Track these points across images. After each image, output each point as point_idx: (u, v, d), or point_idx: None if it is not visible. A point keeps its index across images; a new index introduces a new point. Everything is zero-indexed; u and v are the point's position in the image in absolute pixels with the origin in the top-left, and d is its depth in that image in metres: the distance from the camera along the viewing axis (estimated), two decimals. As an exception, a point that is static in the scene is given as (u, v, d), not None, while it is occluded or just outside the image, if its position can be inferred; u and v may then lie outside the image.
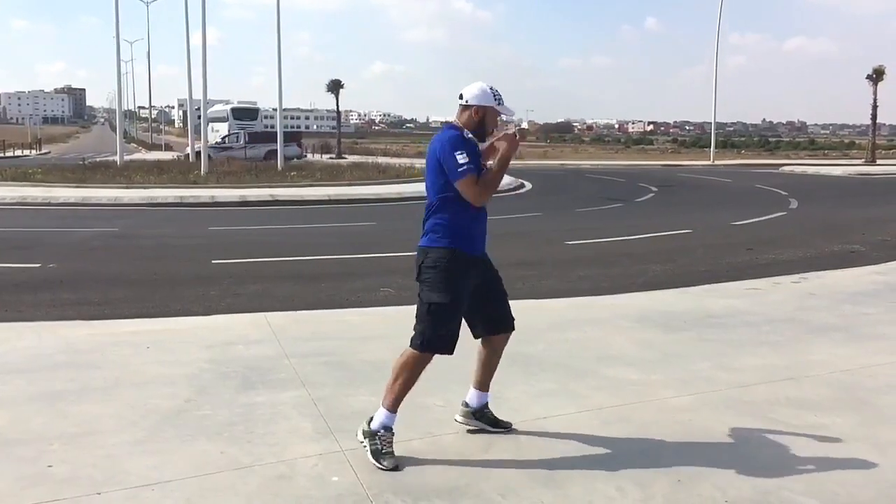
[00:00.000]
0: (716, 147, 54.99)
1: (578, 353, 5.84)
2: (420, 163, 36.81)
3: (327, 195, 20.96)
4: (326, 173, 27.38)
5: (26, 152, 51.68)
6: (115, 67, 32.78)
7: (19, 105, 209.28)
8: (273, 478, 3.62)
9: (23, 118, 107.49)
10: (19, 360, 5.52)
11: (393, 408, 3.91)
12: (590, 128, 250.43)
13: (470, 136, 3.90)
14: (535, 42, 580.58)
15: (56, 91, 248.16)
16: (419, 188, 23.47)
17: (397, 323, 6.87)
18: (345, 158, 44.55)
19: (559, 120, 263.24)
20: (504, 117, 4.05)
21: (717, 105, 51.80)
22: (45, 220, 15.84)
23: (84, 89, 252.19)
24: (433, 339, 3.85)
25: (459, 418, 4.27)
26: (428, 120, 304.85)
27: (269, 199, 19.99)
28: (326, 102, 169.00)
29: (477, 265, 3.95)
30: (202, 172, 25.46)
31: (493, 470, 3.73)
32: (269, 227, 15.24)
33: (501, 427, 4.23)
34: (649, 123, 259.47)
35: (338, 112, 58.23)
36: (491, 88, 3.94)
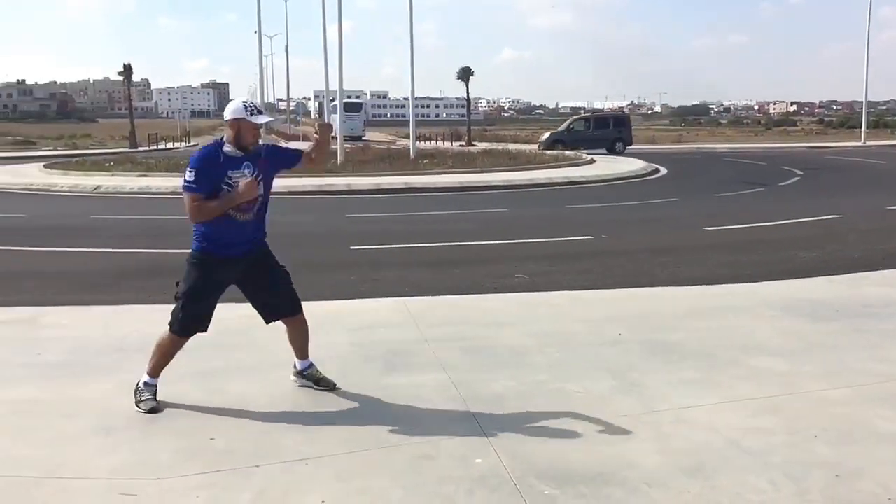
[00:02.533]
0: (867, 127, 51.68)
1: (720, 342, 5.66)
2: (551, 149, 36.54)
3: (459, 182, 21.14)
4: (458, 160, 27.60)
5: (177, 144, 54.80)
6: (255, 62, 34.18)
7: (169, 100, 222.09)
8: (418, 457, 3.71)
9: (172, 112, 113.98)
10: (178, 339, 5.87)
11: None
12: (727, 109, 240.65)
13: (228, 149, 4.29)
14: (666, 23, 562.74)
15: (202, 86, 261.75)
16: (550, 174, 23.42)
17: (532, 309, 6.92)
18: (475, 146, 44.75)
19: (694, 102, 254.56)
20: (261, 127, 4.39)
21: (868, 82, 48.68)
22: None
23: (227, 83, 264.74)
24: (184, 322, 4.41)
25: (292, 377, 4.80)
26: (557, 106, 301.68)
27: (403, 186, 20.37)
28: (455, 90, 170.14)
29: (235, 264, 4.40)
30: (338, 161, 26.21)
31: (637, 458, 3.68)
32: (403, 214, 15.54)
33: (325, 385, 4.68)
34: (792, 103, 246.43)
35: (468, 100, 58.54)
36: (244, 103, 4.34)
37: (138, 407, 4.35)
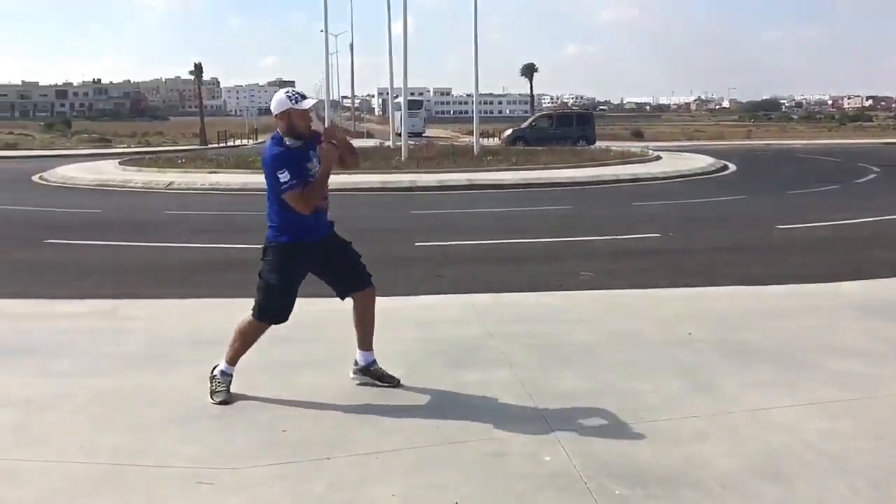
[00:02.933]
0: (948, 122, 49.63)
1: (796, 343, 5.51)
2: (615, 145, 36.14)
3: (523, 179, 21.06)
4: (522, 157, 27.50)
5: (245, 142, 55.90)
6: (320, 59, 34.59)
7: (237, 98, 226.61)
8: (487, 454, 3.72)
9: (240, 110, 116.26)
10: (250, 332, 5.99)
11: None
12: (799, 104, 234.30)
13: (291, 141, 4.36)
14: (735, 15, 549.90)
15: (269, 84, 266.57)
16: (616, 171, 23.17)
17: (599, 307, 6.86)
18: (538, 142, 44.51)
19: (764, 97, 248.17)
20: (310, 111, 4.40)
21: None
22: (264, 205, 17.04)
23: (294, 81, 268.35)
24: (268, 310, 4.57)
25: (352, 375, 4.79)
26: (622, 101, 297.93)
27: (467, 183, 20.39)
28: (518, 87, 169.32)
29: (314, 249, 4.53)
30: (402, 158, 26.38)
31: (711, 460, 3.62)
32: (467, 211, 15.56)
33: (388, 382, 4.69)
34: (867, 98, 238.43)
35: (531, 96, 58.45)
36: (286, 93, 4.38)
37: (212, 398, 4.47)
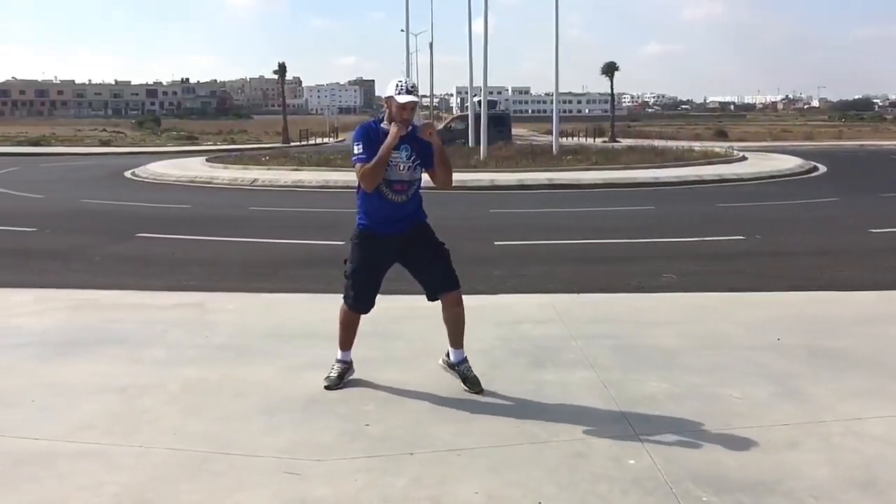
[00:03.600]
0: None
1: (892, 351, 5.29)
2: (697, 145, 35.34)
3: (604, 179, 20.82)
4: (602, 157, 27.20)
5: (325, 140, 56.90)
6: (400, 59, 34.86)
7: (318, 97, 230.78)
8: (570, 455, 3.69)
9: (321, 109, 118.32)
10: (332, 328, 6.05)
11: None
12: (893, 104, 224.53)
13: (383, 124, 4.46)
14: (825, 12, 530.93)
15: (349, 83, 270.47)
16: (700, 172, 22.67)
17: (683, 309, 6.72)
18: (618, 142, 43.95)
19: (856, 96, 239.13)
20: (407, 106, 4.37)
21: None
22: (345, 202, 17.27)
23: (373, 80, 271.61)
24: (350, 296, 4.68)
25: (440, 362, 4.84)
26: (705, 100, 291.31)
27: (547, 182, 20.27)
28: (598, 86, 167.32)
29: (389, 243, 4.54)
30: (482, 157, 26.38)
31: (802, 468, 3.51)
32: (547, 211, 15.47)
33: (470, 386, 4.62)
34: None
35: (612, 95, 57.58)
36: (398, 81, 4.43)
37: (324, 381, 4.68)
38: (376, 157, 4.34)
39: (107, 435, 3.96)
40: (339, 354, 4.80)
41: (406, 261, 4.63)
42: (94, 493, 3.32)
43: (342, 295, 4.71)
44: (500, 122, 40.70)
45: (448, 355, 4.79)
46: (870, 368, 4.91)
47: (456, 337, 4.72)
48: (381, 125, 4.45)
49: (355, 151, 4.40)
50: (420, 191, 4.61)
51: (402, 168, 4.45)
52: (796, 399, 4.41)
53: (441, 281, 4.61)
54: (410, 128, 4.46)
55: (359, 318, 4.78)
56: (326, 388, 4.60)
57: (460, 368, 4.70)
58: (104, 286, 7.91)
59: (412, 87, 4.43)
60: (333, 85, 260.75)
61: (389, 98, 4.40)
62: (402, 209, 4.53)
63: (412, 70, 51.61)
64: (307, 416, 4.22)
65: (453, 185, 4.74)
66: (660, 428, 4.00)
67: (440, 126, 41.42)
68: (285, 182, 21.64)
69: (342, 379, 4.70)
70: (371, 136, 4.41)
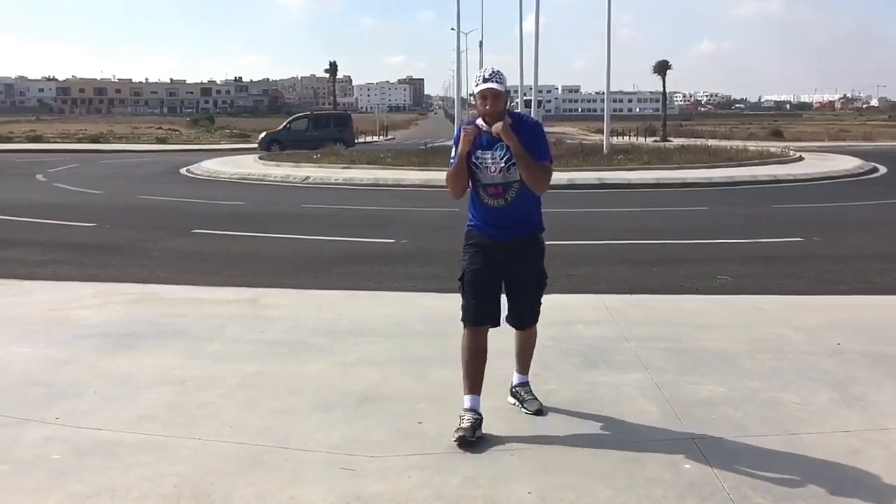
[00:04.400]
0: None
1: (958, 359, 5.14)
2: (752, 145, 34.67)
3: (655, 179, 20.56)
4: (654, 156, 26.86)
5: (375, 138, 57.21)
6: (449, 57, 34.91)
7: (368, 95, 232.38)
8: (624, 458, 3.66)
9: (371, 107, 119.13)
10: (384, 325, 6.14)
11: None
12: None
13: (475, 121, 4.01)
14: (885, 8, 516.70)
15: (399, 82, 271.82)
16: (754, 172, 22.26)
17: (736, 312, 6.61)
18: (670, 141, 43.35)
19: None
20: (487, 96, 3.93)
21: None
22: (395, 200, 17.44)
23: (422, 79, 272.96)
24: (465, 308, 4.08)
25: (510, 399, 4.40)
26: (760, 99, 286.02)
27: (597, 182, 20.10)
28: (649, 84, 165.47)
29: (496, 247, 4.07)
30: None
31: (864, 477, 3.43)
32: (597, 210, 15.35)
33: (529, 409, 4.25)
34: None
35: (664, 94, 56.83)
36: (479, 72, 4.01)
37: (455, 432, 3.83)
38: (453, 165, 4.04)
39: (167, 427, 4.05)
40: (465, 402, 3.95)
41: (506, 276, 4.12)
42: (155, 484, 3.40)
43: (459, 317, 4.07)
44: (339, 123, 39.08)
45: (512, 381, 4.42)
46: (935, 376, 4.77)
47: (522, 360, 4.38)
48: (479, 122, 3.99)
49: (451, 153, 4.09)
50: (529, 193, 4.01)
51: (493, 170, 3.98)
52: (857, 406, 4.31)
53: (514, 315, 4.20)
54: (506, 119, 3.95)
55: (485, 343, 4.01)
56: (458, 442, 3.76)
57: (517, 390, 4.35)
58: (162, 281, 8.09)
59: (492, 73, 3.92)
60: (383, 84, 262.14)
61: (475, 93, 3.96)
62: (505, 214, 4.03)
63: (462, 69, 51.64)
64: (361, 413, 4.26)
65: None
66: (717, 432, 3.94)
67: (280, 127, 40.26)
68: (336, 180, 21.82)
69: (475, 431, 3.82)
70: (457, 137, 4.05)
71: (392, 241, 11.28)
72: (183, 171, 26.09)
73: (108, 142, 50.08)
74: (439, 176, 20.12)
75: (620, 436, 3.92)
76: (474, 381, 3.99)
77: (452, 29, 39.65)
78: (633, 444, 3.81)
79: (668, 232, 11.96)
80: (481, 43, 63.52)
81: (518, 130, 3.91)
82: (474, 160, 4.00)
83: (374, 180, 21.30)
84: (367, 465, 3.59)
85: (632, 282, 8.17)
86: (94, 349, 5.44)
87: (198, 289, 7.56)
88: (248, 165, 26.61)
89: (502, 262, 4.04)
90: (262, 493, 3.33)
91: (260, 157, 29.70)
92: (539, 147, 3.99)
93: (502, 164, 3.96)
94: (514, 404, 4.32)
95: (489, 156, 3.99)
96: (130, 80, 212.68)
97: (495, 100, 3.92)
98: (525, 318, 4.22)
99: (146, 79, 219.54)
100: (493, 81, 3.89)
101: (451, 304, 6.18)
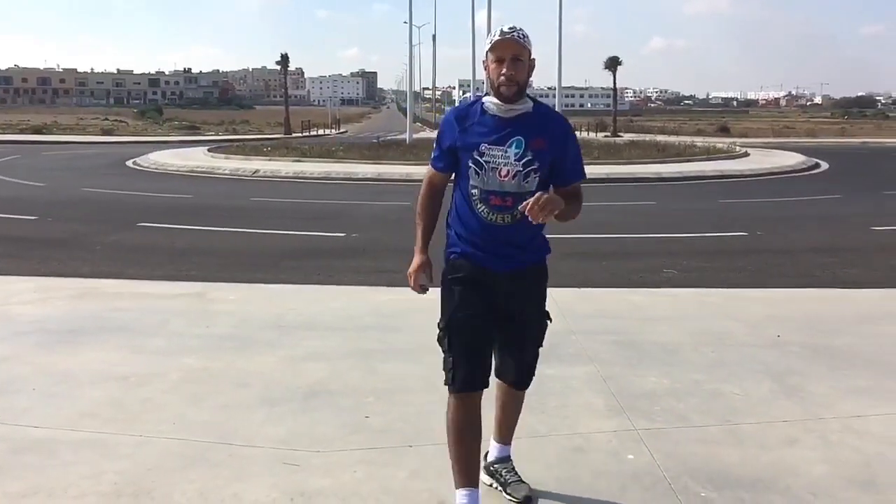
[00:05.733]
0: None
1: (893, 349, 5.30)
2: (700, 141, 35.27)
3: (606, 173, 20.77)
4: (604, 151, 27.15)
5: (327, 131, 56.81)
6: (403, 51, 34.85)
7: (321, 88, 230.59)
8: (569, 449, 3.70)
9: (324, 100, 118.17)
10: (333, 319, 6.11)
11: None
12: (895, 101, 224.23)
13: (485, 99, 2.92)
14: (832, 9, 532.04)
15: (352, 75, 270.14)
16: (702, 167, 22.68)
17: (684, 305, 6.72)
18: (620, 136, 43.90)
19: (859, 93, 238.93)
20: (505, 50, 2.80)
21: None
22: (346, 194, 17.35)
23: (375, 72, 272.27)
24: (451, 367, 3.00)
25: (483, 476, 3.23)
26: (708, 96, 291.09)
27: (548, 176, 20.25)
28: (601, 80, 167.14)
29: (490, 280, 2.99)
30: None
31: (801, 466, 3.51)
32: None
33: (513, 495, 3.19)
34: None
35: (614, 90, 57.53)
36: (504, 26, 2.85)
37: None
38: (437, 168, 3.06)
39: (108, 424, 3.97)
40: (458, 496, 2.95)
41: (504, 319, 3.03)
42: (94, 483, 3.33)
43: (442, 381, 3.01)
44: None
45: (488, 453, 3.35)
46: (870, 367, 4.91)
47: (506, 426, 3.35)
48: (483, 100, 2.91)
49: (434, 149, 3.07)
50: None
51: (504, 174, 2.86)
52: (796, 396, 4.41)
53: (513, 375, 3.18)
54: (526, 107, 2.88)
55: (479, 414, 2.98)
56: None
57: (501, 469, 3.31)
58: (106, 275, 7.92)
59: (512, 28, 2.83)
60: (336, 76, 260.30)
61: (487, 53, 2.87)
62: (511, 237, 2.96)
63: (414, 63, 51.51)
64: (307, 408, 4.22)
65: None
66: (660, 423, 4.01)
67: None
68: (287, 173, 21.63)
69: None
70: (454, 124, 2.94)
71: (343, 234, 11.22)
72: (129, 163, 25.60)
73: (51, 133, 48.88)
74: (391, 169, 20.39)
75: (566, 428, 3.96)
76: (469, 469, 2.97)
77: (405, 22, 39.53)
78: (578, 436, 3.85)
79: (617, 226, 12.10)
80: (434, 36, 63.44)
81: (546, 131, 2.90)
82: (476, 156, 2.87)
83: (325, 174, 21.16)
84: (312, 460, 3.56)
85: (581, 275, 8.24)
86: (34, 345, 5.30)
87: (142, 283, 7.42)
88: (196, 158, 26.23)
89: (501, 303, 3.00)
90: (205, 489, 3.29)
91: (209, 150, 29.30)
92: (576, 160, 3.02)
93: (519, 168, 2.86)
94: (493, 486, 3.30)
95: (500, 152, 2.86)
96: (76, 69, 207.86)
97: (515, 64, 2.81)
98: (526, 375, 3.20)
99: (92, 69, 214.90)
100: (515, 34, 2.79)
101: (401, 298, 6.21)
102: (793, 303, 6.79)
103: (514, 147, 2.86)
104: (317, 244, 10.50)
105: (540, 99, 3.02)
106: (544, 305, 3.20)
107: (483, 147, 2.87)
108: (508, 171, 2.87)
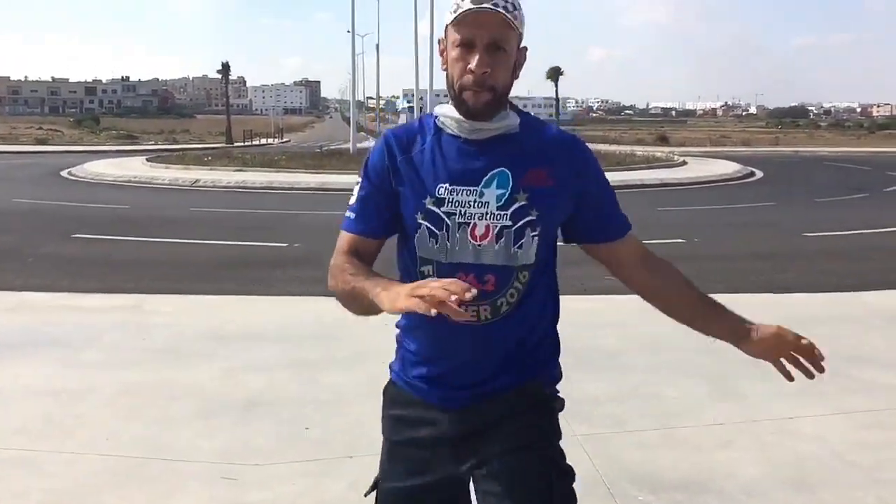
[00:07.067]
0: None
1: (825, 352, 5.43)
2: (640, 150, 35.91)
3: (547, 182, 21.03)
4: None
5: (270, 140, 56.30)
6: (347, 59, 34.76)
7: (263, 97, 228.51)
8: (510, 456, 3.71)
9: (266, 109, 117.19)
10: (273, 330, 6.03)
11: None
12: (827, 112, 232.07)
13: (443, 115, 1.77)
14: (765, 21, 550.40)
15: (295, 83, 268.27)
16: (642, 176, 23.08)
17: (624, 311, 6.78)
18: (563, 146, 44.41)
19: (792, 104, 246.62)
20: (455, 8, 1.69)
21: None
22: (289, 203, 17.17)
23: (319, 81, 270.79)
24: None
25: None
26: (648, 106, 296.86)
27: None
28: (543, 90, 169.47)
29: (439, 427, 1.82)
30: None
31: (736, 468, 3.59)
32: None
33: None
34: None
35: (556, 99, 58.29)
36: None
37: None
38: (350, 228, 1.82)
39: (38, 440, 3.85)
40: None
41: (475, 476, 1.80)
42: (20, 502, 3.22)
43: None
44: None
45: None
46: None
47: None
48: (437, 115, 1.78)
49: (352, 197, 1.84)
50: (540, 294, 1.87)
51: (479, 231, 1.71)
52: (731, 399, 4.51)
53: None
54: (508, 124, 1.74)
55: None
56: None
57: None
58: (38, 288, 7.68)
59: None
60: (279, 85, 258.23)
61: (446, 28, 1.73)
62: (460, 345, 1.77)
63: (358, 72, 51.40)
64: (246, 420, 4.16)
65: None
66: (599, 428, 4.05)
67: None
68: (228, 183, 21.33)
69: None
70: (387, 154, 1.78)
71: (285, 244, 11.10)
72: (64, 173, 24.95)
73: (-18, 142, 47.39)
74: (334, 179, 20.36)
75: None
76: None
77: (348, 31, 39.40)
78: (518, 443, 3.86)
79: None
80: (378, 46, 63.37)
81: (548, 158, 1.76)
82: (430, 206, 1.72)
83: (267, 183, 20.94)
84: (249, 473, 3.51)
85: (523, 283, 8.29)
86: (-41, 361, 5.12)
87: (76, 296, 7.23)
88: (135, 168, 25.72)
89: (467, 454, 1.80)
90: (138, 506, 3.21)
91: (148, 160, 28.75)
92: (614, 204, 1.95)
93: (505, 221, 1.72)
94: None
95: (471, 197, 1.72)
96: (8, 77, 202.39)
97: (494, 54, 1.69)
98: None
99: (26, 77, 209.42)
100: (497, 2, 1.66)
101: (342, 308, 6.16)
102: (729, 308, 6.91)
103: (494, 186, 1.71)
104: (258, 254, 10.37)
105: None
106: (539, 437, 1.82)
107: (441, 190, 1.71)
108: (488, 229, 1.70)
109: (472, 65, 1.68)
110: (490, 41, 1.67)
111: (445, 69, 1.75)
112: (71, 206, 16.26)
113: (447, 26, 1.73)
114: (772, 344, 1.94)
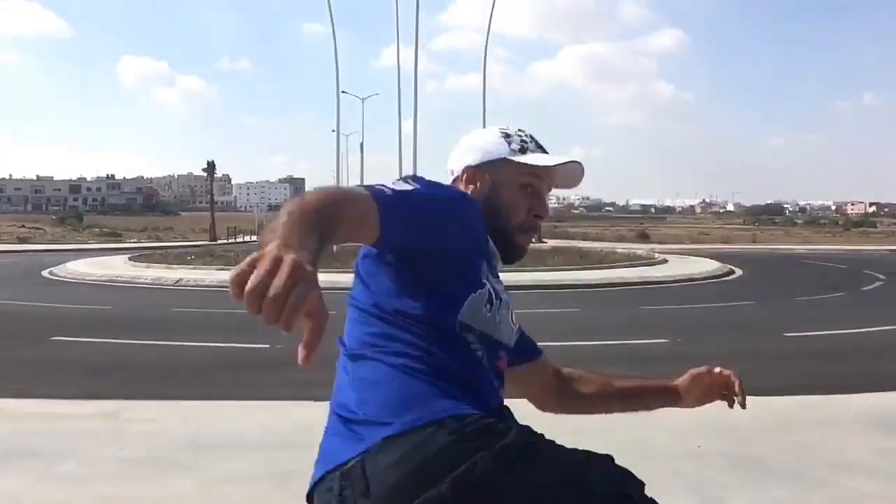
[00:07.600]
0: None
1: (809, 459, 5.43)
2: (621, 247, 36.38)
3: (531, 280, 21.10)
4: (530, 257, 27.39)
5: (254, 237, 56.57)
6: (331, 157, 35.37)
7: (248, 194, 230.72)
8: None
9: (251, 206, 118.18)
10: (254, 437, 5.94)
11: None
12: (802, 209, 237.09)
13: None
14: (740, 121, 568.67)
15: (279, 181, 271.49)
16: (623, 274, 23.33)
17: (606, 415, 6.77)
18: (545, 243, 44.92)
19: (768, 201, 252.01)
20: (539, 162, 1.73)
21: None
22: (271, 303, 17.12)
23: (304, 178, 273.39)
24: None
25: None
26: (627, 203, 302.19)
27: (474, 284, 20.48)
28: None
29: None
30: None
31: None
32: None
33: None
34: (871, 204, 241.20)
35: (538, 197, 59.24)
36: (502, 131, 1.79)
37: None
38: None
39: (7, 561, 3.73)
40: None
41: None
42: None
43: None
44: None
45: None
46: (787, 477, 5.02)
47: None
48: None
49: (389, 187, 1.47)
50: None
51: (513, 318, 1.81)
52: (717, 509, 4.46)
53: None
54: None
55: None
56: None
57: None
58: (13, 395, 7.55)
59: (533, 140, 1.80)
60: (263, 182, 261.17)
61: (499, 165, 1.73)
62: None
63: (342, 171, 52.24)
64: (224, 536, 4.06)
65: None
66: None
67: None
68: (210, 282, 21.30)
69: None
70: (480, 218, 1.63)
71: (267, 346, 11.02)
72: (45, 272, 24.87)
73: (-36, 241, 47.32)
74: (319, 278, 20.48)
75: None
76: None
77: (333, 131, 40.30)
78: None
79: (540, 334, 12.04)
80: (362, 145, 64.68)
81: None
82: (485, 280, 1.64)
83: (250, 282, 20.94)
84: None
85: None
86: (-71, 474, 4.99)
87: (53, 402, 7.11)
88: (116, 267, 25.70)
89: None
90: None
91: (130, 258, 28.79)
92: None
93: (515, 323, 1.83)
94: None
95: (504, 294, 1.72)
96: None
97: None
98: None
99: (10, 175, 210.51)
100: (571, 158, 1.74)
101: (317, 414, 6.10)
102: (712, 410, 6.87)
103: (505, 295, 1.73)
104: (240, 356, 10.30)
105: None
106: None
107: (492, 276, 1.66)
108: (515, 320, 1.79)
109: (541, 210, 1.75)
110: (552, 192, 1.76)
111: (491, 195, 1.71)
112: (50, 307, 16.15)
113: (510, 163, 1.71)
114: (697, 392, 2.07)
